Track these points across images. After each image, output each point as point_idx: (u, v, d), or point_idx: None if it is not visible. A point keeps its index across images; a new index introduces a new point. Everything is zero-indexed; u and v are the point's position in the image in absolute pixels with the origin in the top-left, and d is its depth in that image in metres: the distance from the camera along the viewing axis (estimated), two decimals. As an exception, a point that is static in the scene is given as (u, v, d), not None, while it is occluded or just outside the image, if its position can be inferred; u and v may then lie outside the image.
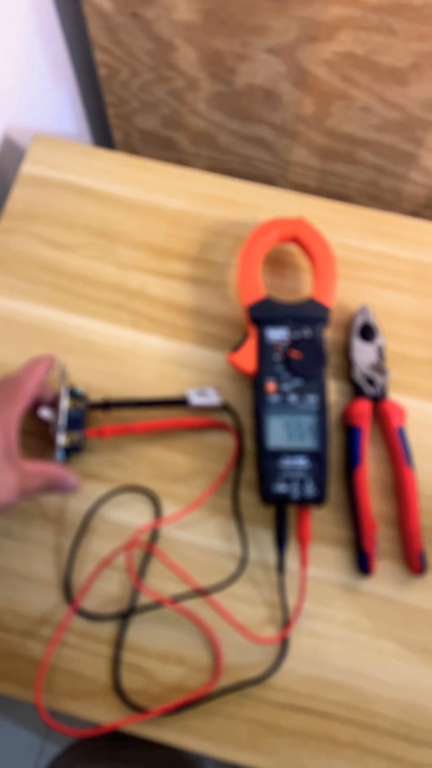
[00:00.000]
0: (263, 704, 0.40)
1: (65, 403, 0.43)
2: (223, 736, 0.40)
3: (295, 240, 0.48)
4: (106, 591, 0.43)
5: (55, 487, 0.39)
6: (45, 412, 0.44)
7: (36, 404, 0.43)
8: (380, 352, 0.47)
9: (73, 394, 0.44)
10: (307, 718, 0.40)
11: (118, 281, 0.51)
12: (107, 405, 0.45)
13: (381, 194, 0.71)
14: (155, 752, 0.51)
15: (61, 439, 0.43)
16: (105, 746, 0.52)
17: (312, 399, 0.43)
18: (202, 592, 0.42)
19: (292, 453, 0.42)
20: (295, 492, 0.41)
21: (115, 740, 0.52)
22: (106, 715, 0.40)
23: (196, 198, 0.54)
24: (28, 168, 0.54)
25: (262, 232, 0.47)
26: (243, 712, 0.40)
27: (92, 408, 0.45)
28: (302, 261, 0.51)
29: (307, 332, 0.44)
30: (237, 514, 0.44)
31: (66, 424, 0.43)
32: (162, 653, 0.41)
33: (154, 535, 0.44)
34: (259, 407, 0.43)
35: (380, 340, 0.47)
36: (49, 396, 0.43)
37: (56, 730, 0.38)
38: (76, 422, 0.43)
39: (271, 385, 0.43)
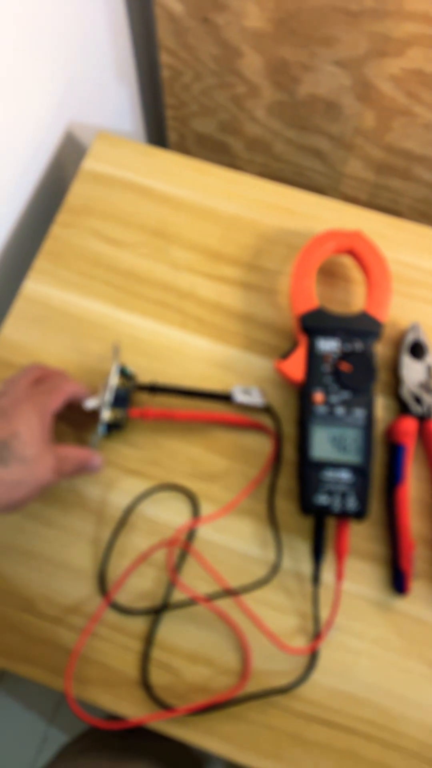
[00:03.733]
0: (288, 714, 0.40)
1: (114, 380, 0.44)
2: (246, 741, 0.40)
3: (351, 252, 0.48)
4: (140, 586, 0.43)
5: (84, 469, 0.41)
6: (90, 403, 0.44)
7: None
8: (429, 371, 0.47)
9: (123, 373, 0.45)
10: (331, 732, 0.40)
11: (170, 281, 0.51)
12: (154, 388, 0.45)
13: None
14: (164, 744, 0.51)
15: (106, 414, 0.43)
16: (115, 735, 0.53)
17: (359, 413, 0.43)
18: (232, 592, 0.42)
19: (336, 465, 0.42)
20: (336, 504, 0.41)
21: (125, 730, 0.52)
22: (132, 709, 0.40)
23: (252, 204, 0.54)
24: (89, 164, 0.55)
25: (319, 242, 0.48)
26: (267, 720, 0.40)
27: (139, 389, 0.46)
28: (355, 273, 0.51)
29: (358, 345, 0.44)
30: (273, 521, 0.44)
31: (112, 400, 0.44)
32: (191, 653, 0.42)
33: (191, 534, 0.44)
34: (306, 417, 0.43)
35: (430, 358, 0.47)
36: (84, 396, 0.44)
37: (82, 720, 0.39)
38: (122, 400, 0.44)
39: (318, 396, 0.43)
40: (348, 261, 0.51)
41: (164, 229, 0.53)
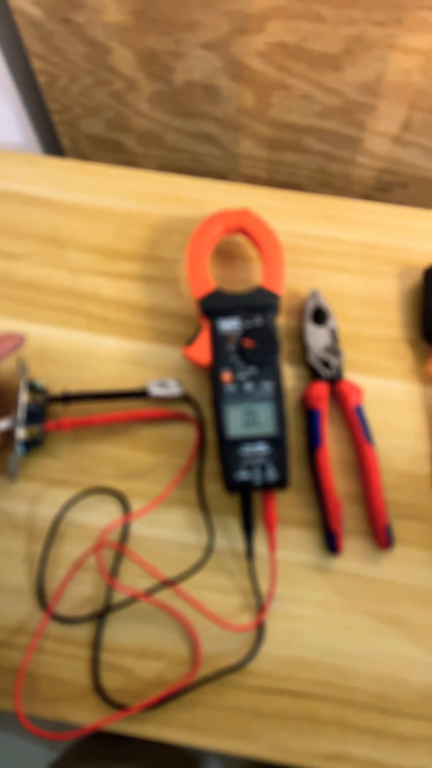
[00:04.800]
0: (243, 691, 0.41)
1: (24, 397, 0.43)
2: (205, 725, 0.40)
3: (242, 231, 0.49)
4: (80, 593, 0.43)
5: None
6: (2, 425, 0.44)
7: None
8: (333, 335, 0.48)
9: (33, 388, 0.44)
10: (286, 700, 0.41)
11: (70, 286, 0.51)
12: (67, 398, 0.45)
13: (332, 180, 0.72)
14: (156, 750, 0.51)
15: (21, 433, 0.43)
16: (106, 744, 0.52)
17: (267, 386, 0.43)
18: (169, 583, 0.42)
19: (252, 440, 0.42)
20: (257, 478, 0.42)
21: (116, 738, 0.52)
22: (88, 716, 0.40)
23: (142, 197, 0.54)
24: (-28, 180, 0.54)
25: (207, 226, 0.48)
26: (223, 701, 0.41)
27: (52, 401, 0.45)
28: (251, 251, 0.52)
29: (258, 321, 0.45)
30: (203, 505, 0.45)
31: (25, 418, 0.43)
32: (140, 650, 0.42)
33: (124, 533, 0.44)
34: (217, 397, 0.43)
35: (332, 322, 0.48)
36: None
37: (38, 736, 0.38)
38: (35, 416, 0.44)
39: (226, 375, 0.44)
40: (242, 240, 0.52)
41: (57, 235, 0.52)
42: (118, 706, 0.40)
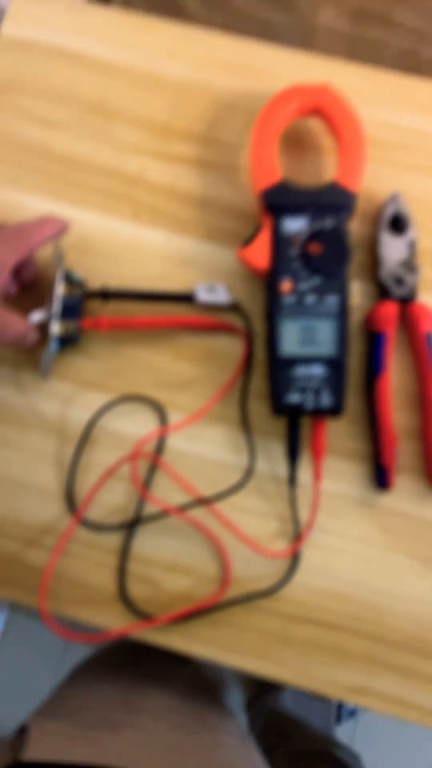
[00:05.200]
0: (272, 616, 0.39)
1: (60, 289, 0.39)
2: (230, 644, 0.39)
3: (318, 112, 0.41)
4: (111, 502, 0.41)
5: (21, 342, 0.39)
6: (37, 316, 0.40)
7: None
8: (412, 248, 0.41)
9: (70, 280, 0.40)
10: (316, 630, 0.39)
11: (115, 166, 0.45)
12: (106, 294, 0.41)
13: (421, 66, 0.61)
14: (178, 671, 0.51)
15: (55, 328, 0.39)
16: (126, 662, 0.52)
17: (332, 300, 0.38)
18: (204, 501, 0.40)
19: (308, 360, 0.38)
20: (309, 402, 0.38)
21: (138, 657, 0.52)
22: (113, 621, 0.40)
23: (204, 64, 0.46)
24: (9, 29, 0.46)
25: (279, 102, 0.40)
26: (251, 623, 0.39)
27: (90, 297, 0.41)
28: (326, 140, 0.44)
29: (329, 222, 0.39)
30: (245, 425, 0.41)
31: (60, 312, 0.39)
32: (168, 563, 0.40)
33: (160, 445, 0.41)
34: (273, 309, 0.38)
35: (413, 233, 0.42)
36: (30, 271, 0.41)
37: (60, 635, 0.38)
38: (72, 311, 0.40)
39: (286, 285, 0.38)
40: (317, 126, 0.44)
41: (103, 102, 0.45)
42: (144, 615, 0.39)
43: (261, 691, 0.87)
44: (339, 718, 0.98)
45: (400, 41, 0.59)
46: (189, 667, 0.53)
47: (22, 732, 0.40)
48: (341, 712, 0.95)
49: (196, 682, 0.50)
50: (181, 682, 0.49)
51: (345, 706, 0.94)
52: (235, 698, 0.56)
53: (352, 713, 0.97)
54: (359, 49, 0.61)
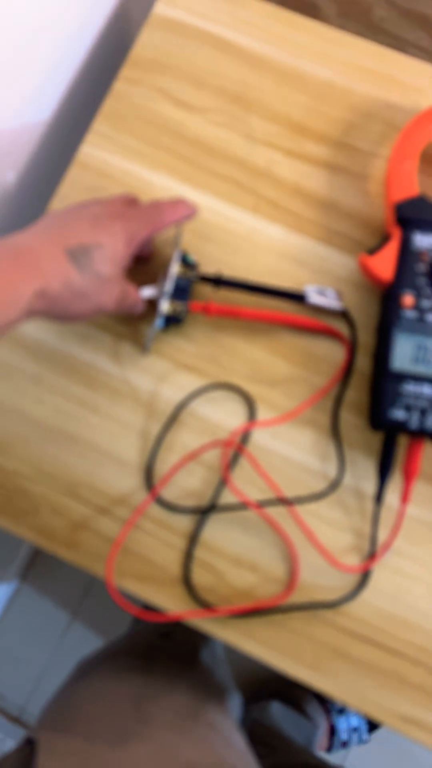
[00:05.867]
0: (333, 629, 0.39)
1: (175, 268, 0.39)
2: (285, 649, 0.39)
3: (465, 134, 0.40)
4: (188, 484, 0.41)
5: (133, 310, 0.39)
6: (148, 291, 0.40)
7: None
8: None
9: (185, 262, 0.40)
10: (376, 652, 0.38)
11: (244, 156, 0.45)
12: (218, 281, 0.41)
13: None
14: (188, 675, 0.50)
15: (165, 306, 0.39)
16: (137, 665, 0.50)
17: (452, 322, 0.37)
18: (285, 501, 0.39)
19: (419, 379, 0.37)
20: (414, 421, 0.37)
21: (149, 659, 0.50)
22: (173, 604, 0.39)
23: (348, 69, 0.46)
24: (161, 8, 0.47)
25: (427, 118, 0.40)
26: (311, 632, 0.39)
27: (202, 280, 0.41)
28: (462, 163, 0.44)
29: (461, 244, 0.38)
30: (336, 433, 0.41)
31: (172, 291, 0.39)
32: (236, 556, 0.40)
33: (245, 438, 0.41)
34: (390, 321, 0.38)
35: None
36: (149, 247, 0.42)
37: (123, 608, 0.38)
38: (182, 292, 0.40)
39: (408, 298, 0.38)
40: (457, 147, 0.44)
41: (244, 93, 0.46)
42: (204, 604, 0.39)
43: (249, 702, 0.86)
44: (330, 747, 0.96)
45: None
46: (197, 670, 0.52)
47: (28, 743, 0.39)
48: (333, 740, 0.93)
49: (205, 686, 0.49)
50: (190, 687, 0.47)
51: (338, 734, 0.92)
52: (237, 704, 0.55)
53: (345, 744, 0.95)
54: None
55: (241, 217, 0.44)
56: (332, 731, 0.93)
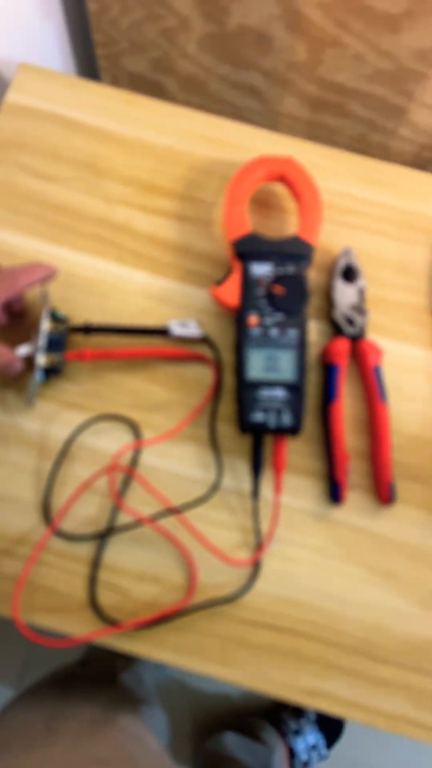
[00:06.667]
0: (234, 622, 0.42)
1: (46, 325, 0.43)
2: (194, 650, 0.41)
3: (283, 179, 0.48)
4: (85, 513, 0.44)
5: (5, 370, 0.42)
6: (23, 349, 0.44)
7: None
8: (361, 294, 0.48)
9: (55, 317, 0.45)
10: (275, 635, 0.42)
11: (104, 215, 0.51)
12: (88, 329, 0.45)
13: (369, 150, 0.71)
14: (103, 692, 0.51)
15: (41, 360, 0.43)
16: (53, 693, 0.51)
17: (292, 333, 0.44)
18: (174, 510, 0.43)
19: (271, 384, 0.43)
20: (272, 421, 0.42)
21: (65, 685, 0.52)
22: (82, 629, 0.41)
23: (186, 136, 0.53)
24: (13, 97, 0.53)
25: (250, 169, 0.48)
26: (214, 629, 0.42)
27: (73, 332, 0.45)
28: (288, 203, 0.52)
29: (290, 268, 0.45)
30: (214, 443, 0.46)
31: (46, 346, 0.43)
32: (138, 572, 0.43)
33: (134, 461, 0.45)
34: (241, 339, 0.44)
35: (362, 281, 0.48)
36: (19, 305, 0.45)
37: (31, 640, 0.39)
38: (56, 344, 0.44)
39: (253, 319, 0.44)
40: (281, 190, 0.52)
41: (95, 162, 0.52)
42: (111, 622, 0.41)
43: (206, 737, 0.86)
44: (291, 768, 0.96)
45: (351, 127, 0.69)
46: (115, 691, 0.53)
47: None
48: (294, 762, 0.93)
49: (119, 698, 0.50)
50: (104, 703, 0.49)
51: (297, 756, 0.93)
52: (158, 717, 0.56)
53: (306, 765, 0.95)
54: (317, 133, 0.71)
55: (108, 267, 0.50)
56: (292, 754, 0.93)
